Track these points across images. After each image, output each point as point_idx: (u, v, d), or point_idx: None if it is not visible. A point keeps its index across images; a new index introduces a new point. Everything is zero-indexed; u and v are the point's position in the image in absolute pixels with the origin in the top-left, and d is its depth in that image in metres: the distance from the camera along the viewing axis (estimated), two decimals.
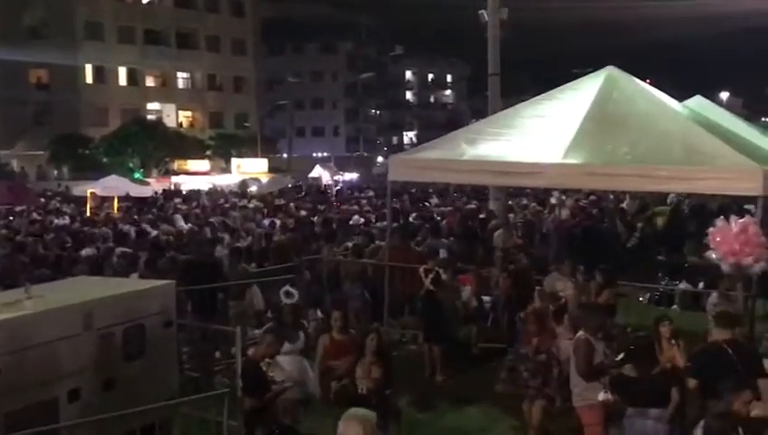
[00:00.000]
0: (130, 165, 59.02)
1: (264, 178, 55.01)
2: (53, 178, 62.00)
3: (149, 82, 78.48)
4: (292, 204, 33.41)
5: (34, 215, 28.95)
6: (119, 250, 17.44)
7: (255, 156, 66.96)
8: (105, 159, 59.27)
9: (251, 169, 61.39)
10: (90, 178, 42.39)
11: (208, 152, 68.14)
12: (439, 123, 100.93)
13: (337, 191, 48.33)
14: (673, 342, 10.18)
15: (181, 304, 12.00)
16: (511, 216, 22.86)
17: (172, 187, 51.25)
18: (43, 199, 39.04)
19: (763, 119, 61.11)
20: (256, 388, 8.85)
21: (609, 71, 14.03)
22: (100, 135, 62.76)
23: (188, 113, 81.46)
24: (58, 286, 10.71)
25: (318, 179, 57.95)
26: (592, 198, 26.34)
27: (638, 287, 16.92)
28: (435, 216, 25.43)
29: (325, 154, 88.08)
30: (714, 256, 10.85)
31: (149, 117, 71.41)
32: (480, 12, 23.20)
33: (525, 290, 13.48)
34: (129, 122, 63.79)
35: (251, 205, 33.91)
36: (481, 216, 23.16)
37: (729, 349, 8.46)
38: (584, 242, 18.38)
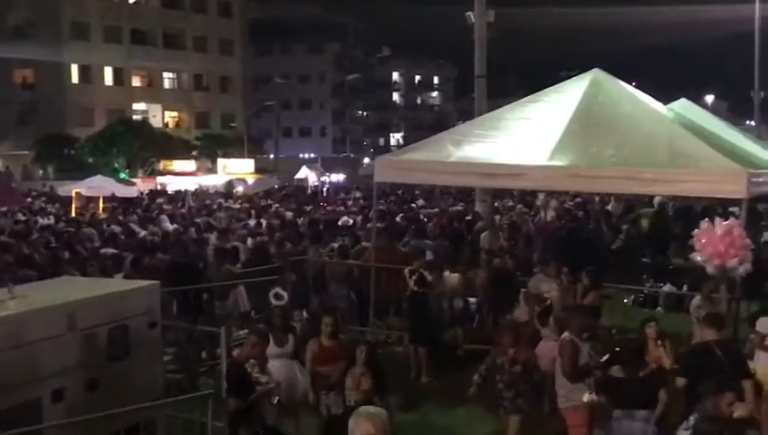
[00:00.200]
0: (116, 165, 58.84)
1: (251, 179, 54.92)
2: (39, 178, 61.79)
3: (135, 82, 78.22)
4: (276, 204, 33.37)
5: (19, 215, 28.79)
6: (105, 251, 17.38)
7: (242, 156, 66.81)
8: (90, 160, 59.09)
9: (237, 170, 61.23)
10: (75, 179, 42.27)
11: (194, 153, 67.98)
12: (426, 125, 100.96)
13: (326, 192, 48.31)
14: (659, 342, 10.23)
15: (166, 305, 11.97)
16: (497, 217, 22.89)
17: (158, 187, 51.06)
18: (29, 199, 38.85)
19: (747, 122, 61.46)
20: (241, 389, 8.82)
21: (595, 74, 14.10)
22: (86, 135, 62.57)
23: (175, 113, 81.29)
24: (42, 287, 10.66)
25: (304, 180, 57.88)
26: (578, 200, 26.41)
27: (623, 289, 16.96)
28: (421, 217, 25.43)
29: (312, 155, 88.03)
30: (699, 258, 10.89)
31: (135, 117, 71.24)
32: (467, 14, 23.27)
33: (509, 292, 13.51)
34: (115, 122, 63.61)
35: (237, 205, 33.86)
36: (467, 217, 23.19)
37: (718, 349, 8.52)
38: (569, 244, 18.41)
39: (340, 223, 23.70)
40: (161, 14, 78.35)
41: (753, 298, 13.36)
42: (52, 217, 28.47)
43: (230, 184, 51.51)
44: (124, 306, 9.61)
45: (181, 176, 57.97)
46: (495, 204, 24.21)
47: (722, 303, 11.07)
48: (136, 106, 76.21)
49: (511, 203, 28.82)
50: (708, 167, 11.60)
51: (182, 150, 65.48)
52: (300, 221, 24.52)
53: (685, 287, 16.39)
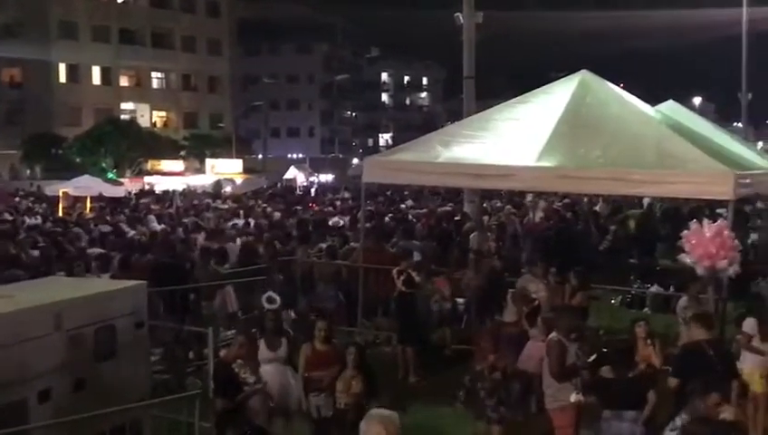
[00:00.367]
0: (104, 165, 58.59)
1: (239, 179, 54.86)
2: (26, 178, 61.48)
3: (123, 81, 77.99)
4: (264, 204, 33.32)
5: (6, 215, 28.65)
6: (93, 251, 17.30)
7: (230, 156, 66.73)
8: (78, 159, 58.79)
9: (225, 170, 61.16)
10: (63, 178, 42.11)
11: (182, 153, 67.81)
12: (415, 125, 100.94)
13: (315, 192, 48.26)
14: (649, 342, 10.29)
15: (153, 306, 11.93)
16: (485, 218, 22.91)
17: (146, 187, 50.91)
18: (16, 199, 38.68)
19: (735, 124, 61.78)
20: (228, 389, 8.82)
21: (583, 75, 14.12)
22: (74, 135, 62.24)
23: (163, 113, 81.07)
24: (28, 287, 10.63)
25: (293, 181, 57.82)
26: (566, 201, 26.47)
27: (610, 290, 17.01)
28: (409, 217, 25.42)
29: (300, 155, 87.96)
30: (688, 259, 10.91)
31: (123, 117, 70.98)
32: (456, 15, 23.28)
33: (498, 292, 13.52)
34: (103, 122, 63.28)
35: (225, 206, 33.79)
36: (456, 218, 23.21)
37: (709, 349, 8.55)
38: (557, 244, 18.46)
39: (330, 223, 23.69)
40: (149, 14, 78.15)
41: (739, 299, 13.45)
42: (39, 217, 28.32)
43: (218, 184, 51.43)
44: (111, 306, 9.58)
45: (169, 176, 57.85)
46: (484, 205, 24.22)
47: (709, 303, 11.10)
48: (124, 106, 75.99)
49: (499, 204, 28.86)
50: (695, 168, 11.63)
51: (170, 150, 65.28)
52: (289, 222, 24.47)
53: (672, 288, 16.45)
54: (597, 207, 26.60)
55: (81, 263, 15.85)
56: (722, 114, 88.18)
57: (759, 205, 22.79)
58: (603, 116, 13.14)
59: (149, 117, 78.13)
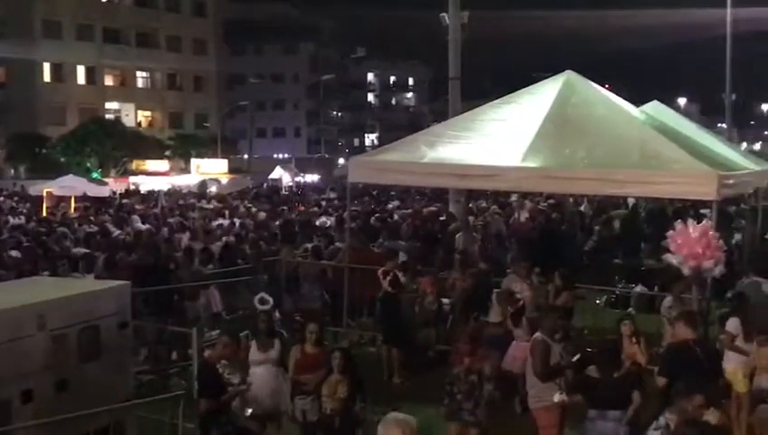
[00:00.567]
0: (88, 165, 58.35)
1: (224, 179, 54.71)
2: (10, 178, 61.12)
3: (108, 80, 77.58)
4: (249, 204, 33.26)
5: None
6: (77, 251, 17.23)
7: (215, 156, 66.54)
8: (62, 159, 58.53)
9: (211, 170, 60.99)
10: (47, 178, 41.86)
11: (168, 152, 67.58)
12: (401, 126, 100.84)
13: (301, 193, 48.19)
14: (634, 340, 10.32)
15: (137, 306, 11.89)
16: (471, 218, 22.92)
17: (131, 187, 50.73)
18: (0, 199, 38.48)
19: (719, 125, 62.05)
20: (212, 389, 8.79)
21: (568, 75, 14.17)
22: (58, 134, 61.96)
23: (148, 113, 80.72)
24: (11, 287, 10.58)
25: (278, 181, 57.72)
26: (551, 201, 26.52)
27: (595, 290, 17.05)
28: (395, 217, 25.42)
29: (286, 155, 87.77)
30: (674, 259, 10.94)
31: (108, 116, 70.57)
32: (441, 15, 23.29)
33: (483, 293, 13.53)
34: (88, 121, 63.00)
35: (210, 206, 33.71)
36: (441, 218, 23.22)
37: (697, 348, 8.58)
38: (542, 244, 18.48)
39: (317, 223, 23.67)
40: (134, 13, 77.78)
41: (722, 299, 13.51)
42: (23, 217, 28.18)
43: (203, 184, 51.27)
44: (95, 307, 9.53)
45: (154, 176, 57.66)
46: (470, 205, 24.24)
47: (693, 303, 11.15)
48: (108, 105, 75.56)
49: (485, 204, 28.89)
50: (679, 169, 11.69)
51: (155, 150, 65.09)
52: (275, 223, 24.43)
53: (656, 288, 16.51)
54: (582, 208, 26.66)
55: (65, 263, 15.81)
56: (706, 115, 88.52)
57: (742, 205, 22.90)
58: (588, 117, 13.18)
59: (134, 116, 77.78)
